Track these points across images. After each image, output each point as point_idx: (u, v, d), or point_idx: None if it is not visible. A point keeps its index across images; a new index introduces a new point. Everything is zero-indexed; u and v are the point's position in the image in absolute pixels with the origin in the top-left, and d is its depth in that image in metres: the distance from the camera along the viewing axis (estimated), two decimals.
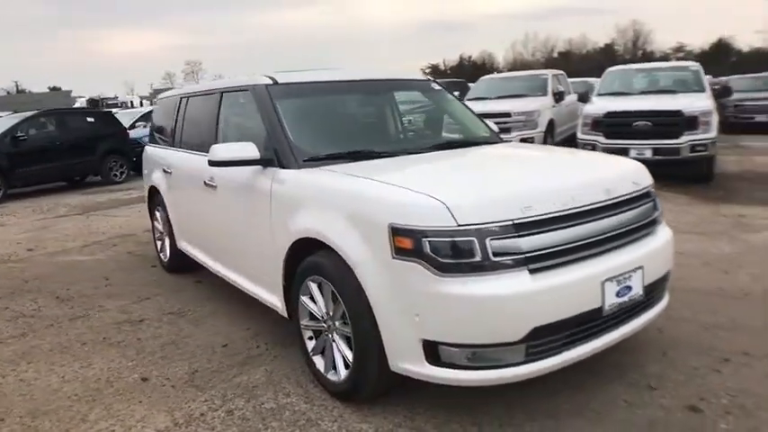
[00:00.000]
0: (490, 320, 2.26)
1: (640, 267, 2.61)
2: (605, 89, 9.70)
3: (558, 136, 10.81)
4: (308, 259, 2.85)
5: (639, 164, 3.09)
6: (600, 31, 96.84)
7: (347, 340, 2.70)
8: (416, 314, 2.32)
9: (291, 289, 3.05)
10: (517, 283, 2.27)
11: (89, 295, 4.77)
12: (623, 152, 7.51)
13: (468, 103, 6.68)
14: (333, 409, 2.76)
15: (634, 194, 2.77)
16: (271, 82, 3.51)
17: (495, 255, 2.27)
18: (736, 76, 18.35)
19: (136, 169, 12.43)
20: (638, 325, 2.71)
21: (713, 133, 7.85)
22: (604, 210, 2.57)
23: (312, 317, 2.94)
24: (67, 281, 5.21)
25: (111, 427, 2.73)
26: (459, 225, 2.27)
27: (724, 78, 17.89)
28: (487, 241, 2.27)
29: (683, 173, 7.87)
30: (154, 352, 3.55)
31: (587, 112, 8.75)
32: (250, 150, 3.16)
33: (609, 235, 2.57)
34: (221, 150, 3.19)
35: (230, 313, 4.11)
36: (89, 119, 12.28)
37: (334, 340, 2.80)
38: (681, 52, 52.81)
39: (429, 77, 4.37)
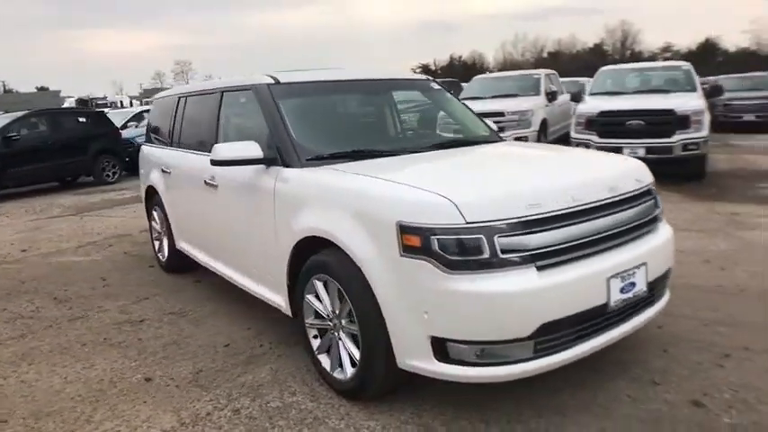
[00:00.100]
0: (499, 317, 2.28)
1: (644, 264, 2.64)
2: (598, 88, 9.78)
3: (551, 135, 10.88)
4: (313, 258, 2.86)
5: (640, 162, 3.12)
6: (589, 31, 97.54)
7: (353, 338, 2.71)
8: (425, 311, 2.33)
9: (295, 288, 3.05)
10: (525, 279, 2.29)
11: (87, 296, 4.74)
12: (616, 151, 7.55)
13: None
14: (339, 407, 2.76)
15: (637, 192, 2.80)
16: (273, 81, 3.51)
17: (503, 252, 2.29)
18: (723, 76, 18.53)
19: (128, 169, 12.38)
20: (641, 321, 2.74)
21: (705, 132, 7.93)
22: (609, 207, 2.60)
23: (317, 315, 2.94)
24: (64, 282, 5.17)
25: (117, 428, 2.72)
26: (468, 223, 2.28)
27: (712, 78, 18.05)
28: (495, 238, 2.28)
29: (675, 171, 7.94)
30: (156, 352, 3.54)
31: (581, 112, 8.81)
32: (253, 150, 3.16)
33: (613, 232, 2.59)
34: (224, 150, 3.19)
35: (231, 313, 4.10)
36: (81, 119, 12.19)
37: (340, 338, 2.80)
38: (668, 52, 53.26)
39: (429, 77, 4.38)
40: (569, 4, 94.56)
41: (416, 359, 2.43)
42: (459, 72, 47.42)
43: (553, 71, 12.98)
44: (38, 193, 11.24)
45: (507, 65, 56.08)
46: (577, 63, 45.26)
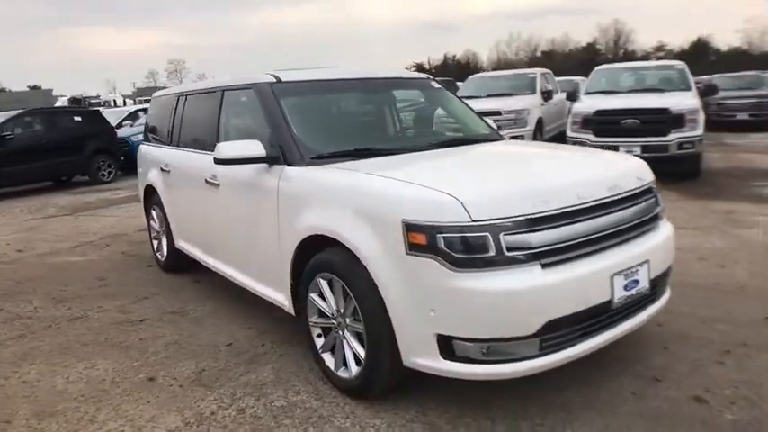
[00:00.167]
0: (505, 315, 2.29)
1: (646, 261, 2.66)
2: (593, 88, 9.82)
3: (547, 134, 10.93)
4: (318, 256, 2.86)
5: (641, 160, 3.15)
6: (582, 30, 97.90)
7: (358, 337, 2.71)
8: (432, 309, 2.34)
9: (299, 286, 3.05)
10: (530, 277, 2.30)
11: (85, 296, 4.72)
12: (612, 150, 7.58)
13: None
14: (344, 405, 2.77)
15: (639, 190, 2.83)
16: (275, 80, 3.50)
17: (509, 249, 2.30)
18: (717, 75, 18.66)
19: (123, 169, 12.32)
20: (643, 318, 2.76)
21: (700, 131, 7.98)
22: (612, 205, 2.62)
23: (321, 314, 2.94)
24: (62, 282, 5.14)
25: (121, 428, 2.71)
26: (474, 221, 2.29)
27: (706, 77, 18.17)
28: (501, 236, 2.30)
29: (671, 170, 7.98)
30: (158, 352, 3.53)
31: (577, 111, 8.85)
32: (256, 148, 3.15)
33: (616, 230, 2.61)
34: (227, 148, 3.18)
35: (232, 312, 4.10)
36: (76, 118, 12.11)
37: (344, 337, 2.81)
38: (661, 51, 53.54)
39: (429, 76, 4.39)
40: (563, 4, 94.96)
41: (422, 357, 2.44)
42: (453, 71, 47.48)
43: (548, 70, 13.03)
44: (32, 193, 11.17)
45: (501, 64, 56.19)
46: (571, 62, 45.50)
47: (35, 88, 59.44)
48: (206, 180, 3.87)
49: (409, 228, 2.37)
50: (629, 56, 50.81)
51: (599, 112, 8.45)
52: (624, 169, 2.94)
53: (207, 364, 3.32)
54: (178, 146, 4.60)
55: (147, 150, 5.37)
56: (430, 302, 2.35)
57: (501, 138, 4.00)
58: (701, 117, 8.14)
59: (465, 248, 2.29)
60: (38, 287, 5.03)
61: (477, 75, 13.70)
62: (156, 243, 5.37)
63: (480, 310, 2.29)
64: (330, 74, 3.86)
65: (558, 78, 14.00)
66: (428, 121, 4.41)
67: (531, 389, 2.73)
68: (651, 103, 8.32)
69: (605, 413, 2.57)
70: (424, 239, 2.34)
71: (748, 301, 3.79)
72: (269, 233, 3.23)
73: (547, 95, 10.97)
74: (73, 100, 36.61)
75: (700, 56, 45.94)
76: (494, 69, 40.33)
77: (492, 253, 2.29)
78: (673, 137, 7.88)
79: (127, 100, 41.30)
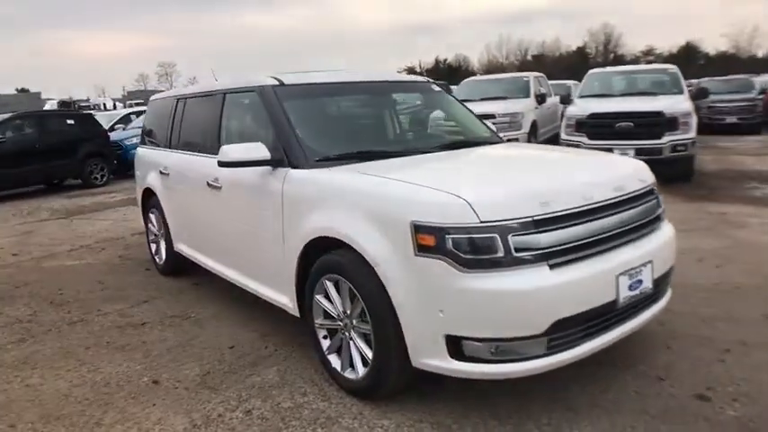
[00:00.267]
0: (513, 315, 2.32)
1: (650, 262, 2.70)
2: (587, 91, 9.91)
3: (541, 137, 11.01)
4: (324, 258, 2.87)
5: (642, 162, 3.19)
6: (571, 33, 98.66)
7: (365, 338, 2.73)
8: (440, 310, 2.36)
9: (304, 288, 3.06)
10: (538, 277, 2.33)
11: (84, 300, 4.69)
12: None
13: None
14: (351, 406, 2.78)
15: (641, 191, 2.87)
16: (277, 83, 3.52)
17: (517, 250, 2.32)
18: (706, 79, 18.88)
19: (116, 172, 12.25)
20: (647, 317, 2.80)
21: (693, 134, 8.09)
22: (618, 206, 2.66)
23: (327, 315, 2.95)
24: (59, 285, 5.11)
25: (129, 431, 2.70)
26: (482, 222, 2.32)
27: (695, 81, 18.37)
28: (509, 237, 2.32)
29: (664, 172, 8.05)
30: (161, 355, 3.52)
31: (571, 114, 8.92)
32: (261, 151, 3.16)
33: (621, 231, 2.65)
34: (231, 151, 3.19)
35: (234, 315, 4.10)
36: (69, 121, 12.02)
37: (351, 338, 2.82)
38: (650, 55, 54.12)
39: (429, 79, 4.42)
40: (552, 8, 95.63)
41: (431, 357, 2.45)
42: (444, 74, 47.73)
43: (541, 74, 13.14)
44: (25, 197, 11.08)
45: (492, 68, 56.49)
46: (561, 65, 45.83)
47: (23, 91, 58.94)
48: (207, 183, 3.87)
49: (418, 229, 2.39)
50: (619, 59, 51.27)
51: (593, 116, 8.53)
52: (627, 171, 2.98)
53: (211, 366, 3.32)
54: (178, 149, 4.60)
55: (145, 153, 5.36)
56: (439, 303, 2.37)
57: (501, 140, 4.03)
58: (694, 120, 8.25)
59: (473, 249, 2.31)
60: (35, 291, 5.00)
61: (472, 78, 13.81)
62: (154, 246, 5.35)
63: (489, 311, 2.31)
64: (332, 77, 3.88)
65: (550, 82, 14.11)
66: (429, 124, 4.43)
67: (536, 388, 2.76)
68: (645, 107, 8.41)
69: (611, 412, 2.60)
70: (432, 241, 2.36)
71: (746, 300, 3.84)
72: (273, 236, 3.24)
73: (541, 99, 11.06)
74: (63, 103, 36.27)
75: (689, 59, 46.42)
76: (484, 73, 40.54)
77: (500, 254, 2.31)
78: (666, 139, 7.97)
79: (117, 103, 41.03)
